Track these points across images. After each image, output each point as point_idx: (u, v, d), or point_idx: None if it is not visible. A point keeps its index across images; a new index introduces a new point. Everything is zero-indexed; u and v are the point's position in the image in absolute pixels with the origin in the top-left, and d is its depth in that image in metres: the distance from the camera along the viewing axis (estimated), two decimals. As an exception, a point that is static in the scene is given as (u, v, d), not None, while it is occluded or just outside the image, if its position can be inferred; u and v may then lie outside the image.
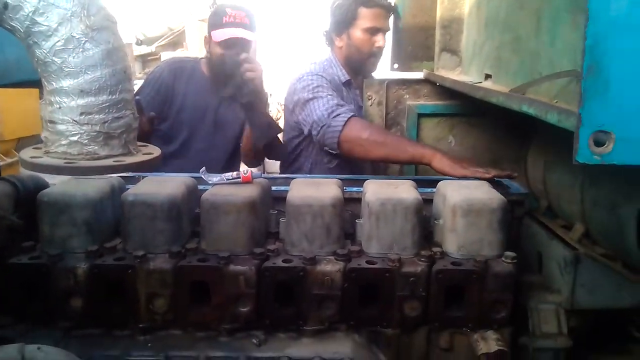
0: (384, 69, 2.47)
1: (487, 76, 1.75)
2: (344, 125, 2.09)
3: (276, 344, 1.37)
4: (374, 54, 2.41)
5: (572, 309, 1.47)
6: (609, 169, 1.38)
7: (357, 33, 2.39)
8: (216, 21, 2.48)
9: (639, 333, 1.56)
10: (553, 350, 1.44)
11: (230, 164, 2.66)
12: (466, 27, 2.07)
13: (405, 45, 2.30)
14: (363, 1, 2.35)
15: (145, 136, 2.03)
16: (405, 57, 2.31)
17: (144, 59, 10.24)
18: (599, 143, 0.75)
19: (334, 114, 2.13)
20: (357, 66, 2.46)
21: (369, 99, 2.22)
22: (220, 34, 2.45)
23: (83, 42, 1.10)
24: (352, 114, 2.12)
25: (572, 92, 1.11)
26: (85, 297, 1.35)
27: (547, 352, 1.46)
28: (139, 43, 10.28)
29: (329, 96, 2.19)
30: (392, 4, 2.40)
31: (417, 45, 2.29)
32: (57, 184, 1.46)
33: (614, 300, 1.45)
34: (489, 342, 1.36)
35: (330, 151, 2.19)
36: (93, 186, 1.44)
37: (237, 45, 2.44)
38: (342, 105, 2.17)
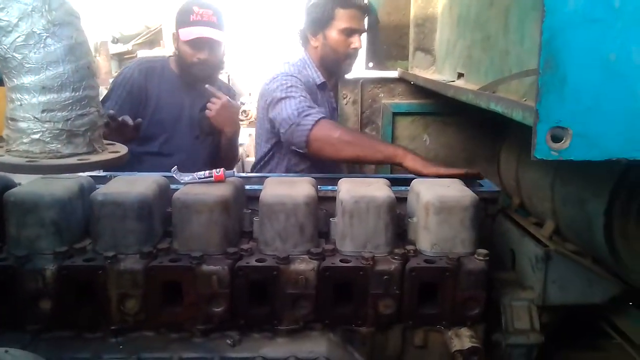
0: (359, 68, 2.47)
1: (460, 75, 1.77)
2: (314, 124, 2.09)
3: (251, 344, 1.37)
4: (350, 55, 2.39)
5: (544, 305, 1.48)
6: (578, 166, 1.40)
7: (333, 34, 2.36)
8: (183, 19, 2.43)
9: (609, 328, 1.59)
10: (526, 346, 1.46)
11: (212, 162, 2.61)
12: (439, 26, 2.09)
13: (380, 43, 2.30)
14: (340, 2, 2.33)
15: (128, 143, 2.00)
16: (380, 55, 2.32)
17: (120, 58, 10.08)
18: (556, 139, 0.75)
19: (305, 113, 2.13)
20: (333, 67, 2.44)
21: (344, 98, 2.22)
22: (188, 33, 2.41)
23: (44, 37, 1.07)
24: (323, 115, 2.12)
25: (540, 90, 1.12)
26: (54, 299, 1.32)
27: (520, 348, 1.47)
28: (115, 41, 10.11)
29: (301, 97, 2.18)
30: (367, 5, 2.40)
31: (391, 44, 2.29)
32: (24, 183, 1.43)
33: (585, 296, 1.47)
34: (463, 339, 1.37)
35: (298, 150, 2.19)
36: (61, 186, 1.42)
37: (205, 45, 2.41)
38: (313, 107, 2.17)
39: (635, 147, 0.73)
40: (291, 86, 2.23)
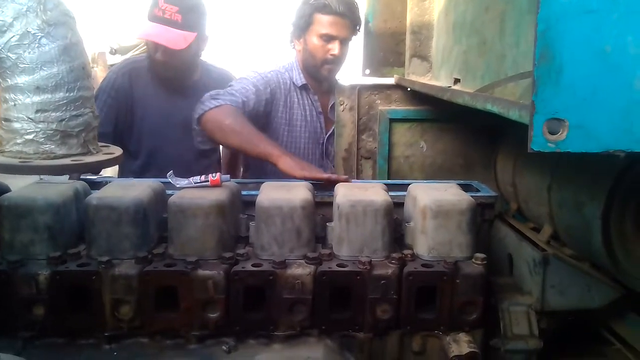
0: (356, 74, 2.49)
1: (456, 80, 1.77)
2: (215, 107, 2.17)
3: (247, 351, 1.35)
4: (328, 61, 2.42)
5: (542, 310, 1.47)
6: (574, 169, 1.40)
7: (313, 39, 2.40)
8: (149, 10, 2.22)
9: (608, 333, 1.58)
10: (524, 352, 1.45)
11: (204, 171, 2.52)
12: (435, 33, 2.09)
13: (376, 50, 2.30)
14: (319, 7, 2.36)
15: None
16: (376, 62, 2.32)
17: (118, 69, 10.05)
18: (553, 130, 0.75)
19: (215, 96, 2.21)
20: (312, 71, 2.48)
21: (341, 104, 2.22)
22: (143, 30, 2.21)
23: (39, 37, 1.07)
24: (230, 103, 2.20)
25: (537, 92, 1.12)
26: (48, 305, 1.30)
27: (519, 353, 1.46)
28: (113, 52, 10.07)
29: (239, 88, 2.28)
30: (354, 13, 2.40)
31: (388, 50, 2.29)
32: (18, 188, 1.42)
33: (584, 301, 1.46)
34: (461, 344, 1.35)
35: (195, 127, 2.26)
36: (56, 190, 1.40)
37: (160, 47, 2.22)
38: (232, 95, 2.24)
39: (631, 138, 0.73)
40: (243, 78, 2.36)
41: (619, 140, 0.73)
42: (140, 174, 2.33)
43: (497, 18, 1.40)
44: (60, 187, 1.43)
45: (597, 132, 0.73)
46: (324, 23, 2.37)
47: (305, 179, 1.80)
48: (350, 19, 2.38)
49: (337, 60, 2.44)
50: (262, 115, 2.43)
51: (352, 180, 2.16)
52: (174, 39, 2.20)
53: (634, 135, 0.72)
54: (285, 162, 1.95)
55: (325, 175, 1.78)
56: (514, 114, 0.93)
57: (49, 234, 1.35)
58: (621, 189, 1.24)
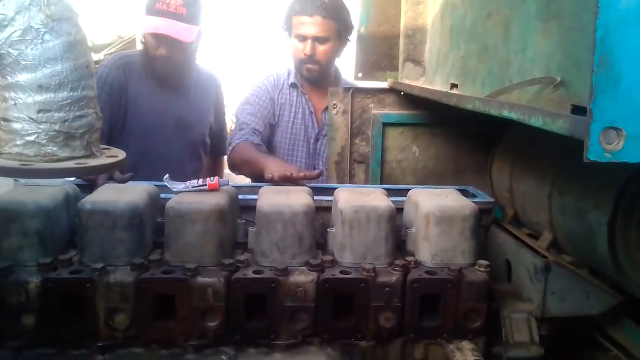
0: (350, 78, 2.48)
1: (453, 85, 1.76)
2: (231, 149, 2.48)
3: (246, 360, 1.31)
4: (304, 61, 2.49)
5: (542, 317, 1.47)
6: (577, 177, 1.40)
7: (293, 41, 2.52)
8: (150, 4, 2.17)
9: (604, 339, 1.58)
10: (526, 359, 1.44)
11: (195, 173, 2.43)
12: (429, 37, 2.08)
13: (369, 54, 2.28)
14: (294, 10, 2.47)
15: None
16: (369, 66, 2.30)
17: (91, 68, 9.86)
18: (609, 140, 0.73)
19: (230, 140, 2.53)
20: (298, 72, 2.59)
21: (334, 108, 2.19)
22: (148, 24, 2.16)
23: (42, 33, 1.00)
24: (240, 140, 2.46)
25: (545, 98, 1.11)
26: (38, 314, 1.24)
27: (520, 361, 1.45)
28: (86, 51, 9.86)
29: (243, 119, 2.54)
30: (331, 12, 2.43)
31: (381, 54, 2.27)
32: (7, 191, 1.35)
33: (583, 308, 1.46)
34: (465, 352, 1.34)
35: None
36: (46, 194, 1.34)
37: (165, 41, 2.17)
38: (242, 130, 2.51)
39: (685, 149, 0.72)
40: (242, 103, 2.60)
41: (674, 151, 0.72)
42: (138, 167, 2.24)
43: (501, 24, 1.39)
44: (50, 190, 1.37)
45: (652, 142, 0.72)
46: (297, 24, 2.46)
47: (272, 181, 1.95)
48: (325, 17, 2.42)
49: (312, 60, 2.48)
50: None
51: (348, 184, 2.15)
52: (182, 31, 2.16)
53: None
54: (266, 168, 2.06)
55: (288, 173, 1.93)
56: (536, 121, 0.92)
57: (39, 239, 1.29)
58: (625, 197, 1.24)
